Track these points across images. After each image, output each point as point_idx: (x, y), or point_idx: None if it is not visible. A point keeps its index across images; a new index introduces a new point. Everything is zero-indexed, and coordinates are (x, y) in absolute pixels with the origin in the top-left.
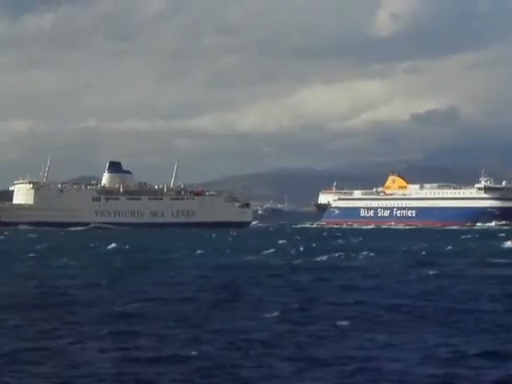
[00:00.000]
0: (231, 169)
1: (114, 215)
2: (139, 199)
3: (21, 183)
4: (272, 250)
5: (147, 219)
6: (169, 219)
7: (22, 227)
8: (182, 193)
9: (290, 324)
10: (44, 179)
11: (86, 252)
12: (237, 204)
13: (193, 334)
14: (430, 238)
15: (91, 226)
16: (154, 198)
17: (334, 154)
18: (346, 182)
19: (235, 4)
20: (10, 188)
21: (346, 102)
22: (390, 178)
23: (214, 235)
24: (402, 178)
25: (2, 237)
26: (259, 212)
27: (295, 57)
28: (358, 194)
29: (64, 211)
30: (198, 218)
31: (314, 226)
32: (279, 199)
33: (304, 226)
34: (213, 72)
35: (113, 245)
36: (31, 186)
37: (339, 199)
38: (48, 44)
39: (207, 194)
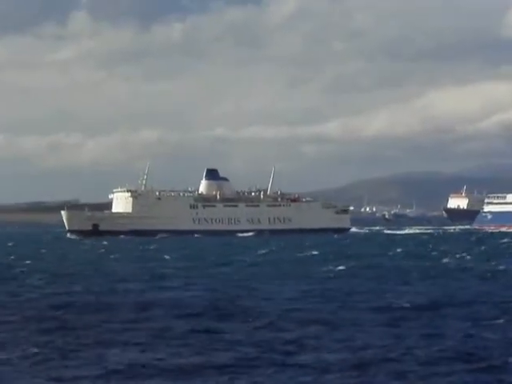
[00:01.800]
0: (358, 174)
1: (211, 222)
2: (236, 206)
3: (119, 192)
4: None
5: (244, 226)
6: (265, 226)
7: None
8: (279, 199)
9: None
10: (142, 187)
11: None
12: (334, 210)
13: None
14: None
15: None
16: (251, 205)
17: (462, 156)
18: (475, 185)
19: (362, 8)
20: (110, 196)
21: (476, 104)
22: None
23: None
24: None
25: (103, 250)
26: (386, 217)
27: (423, 59)
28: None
29: (161, 219)
30: (295, 224)
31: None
32: (407, 204)
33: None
34: (339, 77)
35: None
36: (129, 194)
37: (490, 203)
38: (177, 54)
39: (303, 200)
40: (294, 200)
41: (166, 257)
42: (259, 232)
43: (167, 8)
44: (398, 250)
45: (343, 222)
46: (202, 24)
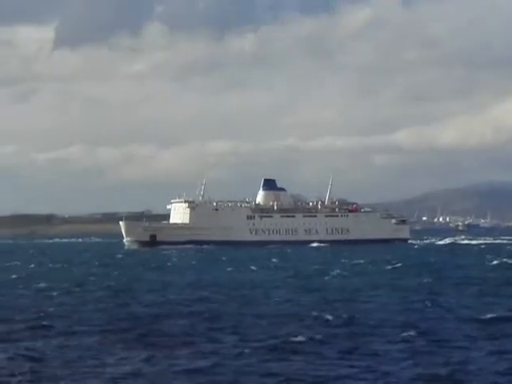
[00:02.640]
0: (431, 184)
1: (268, 233)
2: (293, 216)
3: (177, 202)
4: None
5: (301, 237)
6: (323, 236)
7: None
8: (337, 210)
9: None
10: (200, 198)
11: None
12: (393, 221)
13: None
14: None
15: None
16: (308, 216)
17: None
18: None
19: (437, 17)
20: (168, 207)
21: None
22: None
23: None
24: None
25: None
26: (459, 228)
27: (499, 68)
28: None
29: (218, 230)
30: (353, 235)
31: None
32: (481, 214)
33: None
34: (412, 86)
35: None
36: (187, 205)
37: None
38: (250, 64)
39: (362, 210)
40: (352, 210)
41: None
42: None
43: (241, 19)
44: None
45: (402, 232)
46: (274, 34)
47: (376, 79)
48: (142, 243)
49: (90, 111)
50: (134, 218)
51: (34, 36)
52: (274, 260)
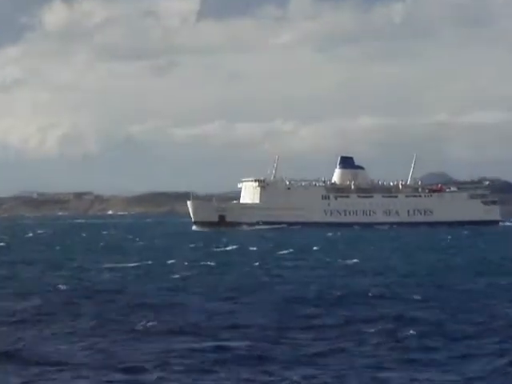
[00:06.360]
0: None
1: (344, 214)
2: (371, 197)
3: (248, 181)
4: None
5: (379, 218)
6: (403, 218)
7: (245, 227)
8: (419, 190)
9: None
10: (272, 177)
11: None
12: (481, 201)
13: None
14: None
15: None
16: (388, 196)
17: None
18: None
19: None
20: (239, 186)
21: None
22: None
23: None
24: None
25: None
26: None
27: None
28: None
29: (290, 210)
30: (437, 217)
31: None
32: None
33: None
34: None
35: None
36: (257, 184)
37: None
38: (397, 35)
39: (447, 190)
40: (436, 190)
41: None
42: (397, 225)
43: None
44: None
45: (492, 213)
46: (423, 3)
47: None
48: (211, 224)
49: (231, 84)
50: None
51: (178, 7)
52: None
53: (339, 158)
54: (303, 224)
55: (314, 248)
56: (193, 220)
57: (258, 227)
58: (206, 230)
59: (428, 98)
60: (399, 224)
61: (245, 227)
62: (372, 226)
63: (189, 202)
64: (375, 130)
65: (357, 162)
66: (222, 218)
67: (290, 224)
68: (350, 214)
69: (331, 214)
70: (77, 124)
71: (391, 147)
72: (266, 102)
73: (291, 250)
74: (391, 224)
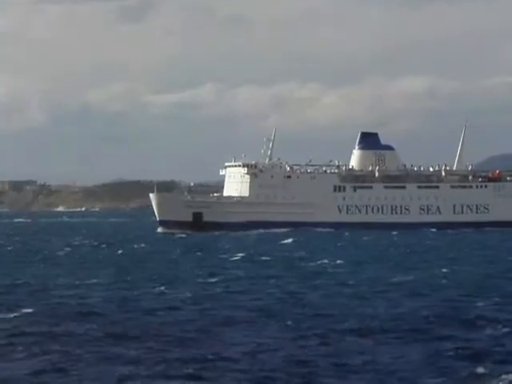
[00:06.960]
0: None
1: (365, 212)
2: (403, 187)
3: (234, 166)
4: None
5: (414, 217)
6: (448, 217)
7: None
8: (470, 178)
9: None
10: (266, 160)
11: None
12: None
13: None
14: None
15: None
16: (426, 187)
17: None
18: None
19: None
20: (221, 173)
21: None
22: None
23: None
24: None
25: None
26: None
27: None
28: None
29: (291, 206)
30: (494, 215)
31: None
32: None
33: None
34: None
35: None
36: (246, 170)
37: None
38: None
39: (508, 179)
40: (494, 179)
41: None
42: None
43: None
44: None
45: None
46: None
47: None
48: (181, 225)
49: (228, 35)
50: None
51: None
52: None
53: (359, 135)
54: (307, 225)
55: None
56: (157, 219)
57: (245, 232)
58: (175, 232)
59: (499, 54)
60: (440, 225)
61: (229, 232)
62: (407, 227)
63: (151, 195)
64: (428, 95)
65: (384, 140)
66: (197, 216)
67: (290, 225)
68: (373, 211)
69: (347, 211)
70: (16, 88)
71: (438, 119)
72: (275, 59)
73: None
74: (429, 225)
